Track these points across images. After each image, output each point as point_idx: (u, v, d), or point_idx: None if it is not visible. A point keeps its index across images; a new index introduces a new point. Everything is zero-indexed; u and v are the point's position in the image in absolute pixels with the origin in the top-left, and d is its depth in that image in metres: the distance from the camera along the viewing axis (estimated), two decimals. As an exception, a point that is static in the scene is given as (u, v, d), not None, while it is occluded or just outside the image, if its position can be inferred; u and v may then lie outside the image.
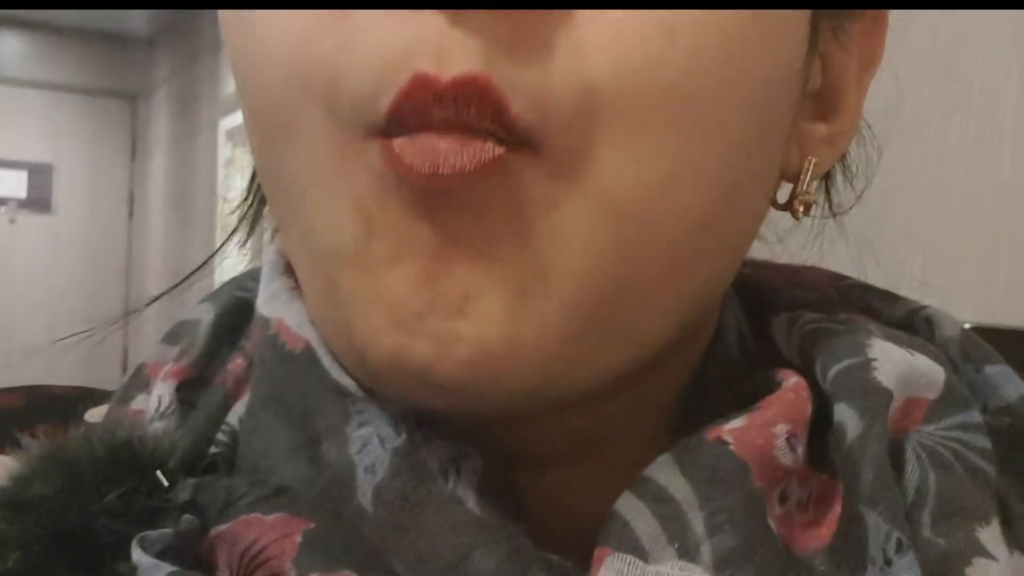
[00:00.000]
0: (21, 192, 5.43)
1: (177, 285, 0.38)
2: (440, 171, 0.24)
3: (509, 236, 0.25)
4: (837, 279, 0.37)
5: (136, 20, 5.16)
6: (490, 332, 0.25)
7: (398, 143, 0.24)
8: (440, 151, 0.24)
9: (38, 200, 5.47)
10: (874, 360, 0.29)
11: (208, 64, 4.62)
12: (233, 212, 0.37)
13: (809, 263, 0.38)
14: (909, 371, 0.29)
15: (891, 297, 0.36)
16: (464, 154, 0.24)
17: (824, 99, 0.31)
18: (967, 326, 0.34)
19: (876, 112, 0.36)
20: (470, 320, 0.25)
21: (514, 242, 0.25)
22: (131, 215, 5.68)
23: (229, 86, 4.51)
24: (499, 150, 0.24)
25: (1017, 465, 0.30)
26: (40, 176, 5.48)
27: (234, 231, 0.37)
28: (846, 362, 0.29)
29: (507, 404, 0.27)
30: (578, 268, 0.25)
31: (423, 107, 0.24)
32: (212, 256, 0.38)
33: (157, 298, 0.39)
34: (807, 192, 0.31)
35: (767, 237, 0.36)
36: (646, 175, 0.25)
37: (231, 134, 4.34)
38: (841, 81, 0.31)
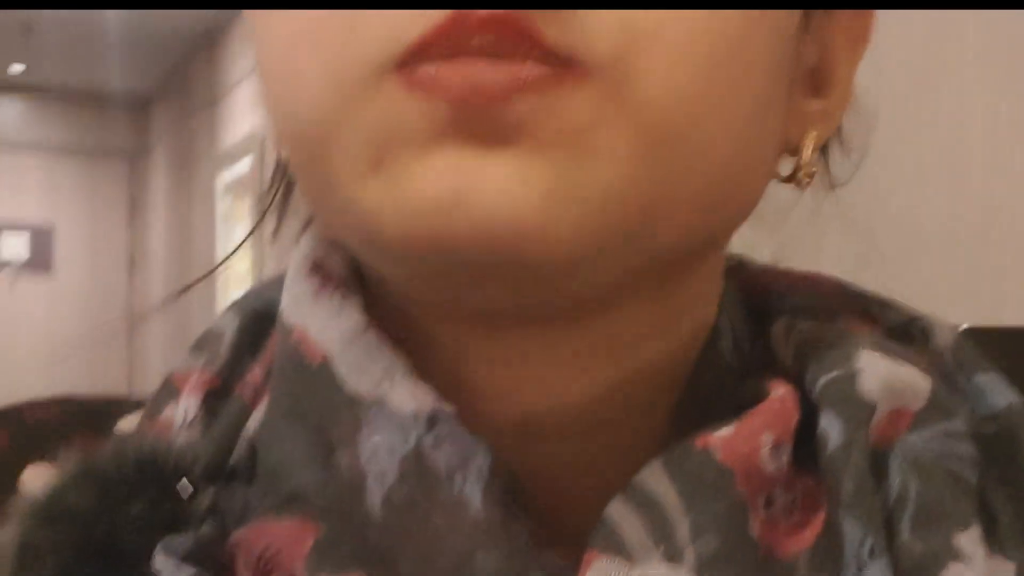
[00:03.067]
0: (24, 254, 5.46)
1: (206, 277, 0.39)
2: (480, 89, 0.25)
3: (547, 148, 0.26)
4: (841, 286, 0.38)
5: (131, 80, 5.22)
6: (527, 202, 0.26)
7: (429, 68, 0.25)
8: (479, 70, 0.25)
9: (40, 261, 5.49)
10: (860, 372, 0.31)
11: (204, 121, 4.65)
12: (256, 204, 0.38)
13: (815, 267, 0.39)
14: (894, 382, 0.31)
15: (890, 304, 0.37)
16: (501, 72, 0.25)
17: (818, 75, 0.33)
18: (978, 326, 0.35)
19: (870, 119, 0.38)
20: (501, 196, 0.26)
21: (551, 152, 0.26)
22: (131, 273, 5.71)
23: (225, 141, 4.52)
24: (542, 70, 0.25)
25: (1001, 471, 0.31)
26: (41, 237, 5.51)
27: (261, 218, 0.38)
28: (833, 373, 0.31)
29: (527, 281, 0.27)
30: (611, 181, 0.26)
31: (461, 34, 0.25)
32: (232, 254, 0.39)
33: (185, 289, 0.40)
34: (809, 164, 0.33)
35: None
36: (687, 107, 0.26)
37: (229, 188, 4.35)
38: (833, 57, 0.33)
